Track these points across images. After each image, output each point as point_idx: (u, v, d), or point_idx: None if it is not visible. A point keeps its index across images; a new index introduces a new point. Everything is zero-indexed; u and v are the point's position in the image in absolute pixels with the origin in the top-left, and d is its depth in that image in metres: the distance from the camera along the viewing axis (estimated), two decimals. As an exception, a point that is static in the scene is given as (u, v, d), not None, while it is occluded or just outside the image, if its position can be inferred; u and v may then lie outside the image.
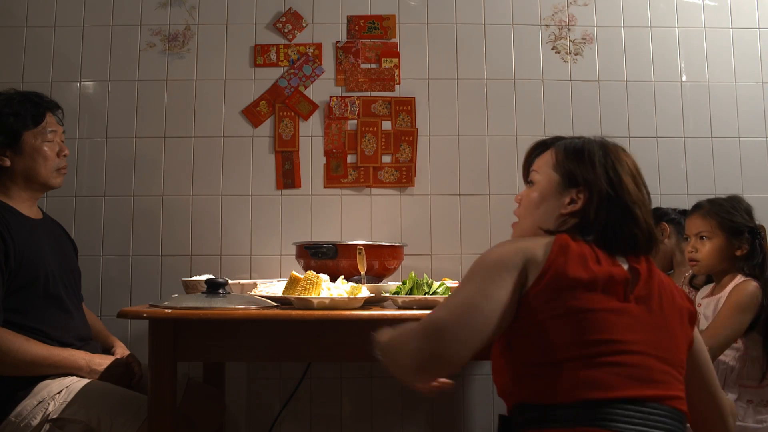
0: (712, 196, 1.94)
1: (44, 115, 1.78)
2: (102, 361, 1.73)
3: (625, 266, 1.09)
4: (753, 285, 1.75)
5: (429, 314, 1.07)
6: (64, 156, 1.82)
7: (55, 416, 1.57)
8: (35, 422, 1.57)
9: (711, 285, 1.91)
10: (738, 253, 1.80)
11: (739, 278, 1.80)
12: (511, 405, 1.10)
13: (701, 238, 1.84)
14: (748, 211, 1.85)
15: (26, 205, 1.78)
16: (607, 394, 0.99)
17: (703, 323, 1.83)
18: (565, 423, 0.99)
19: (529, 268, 1.05)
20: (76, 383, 1.64)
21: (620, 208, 1.11)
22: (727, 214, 1.82)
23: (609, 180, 1.12)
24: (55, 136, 1.80)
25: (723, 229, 1.81)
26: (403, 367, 1.07)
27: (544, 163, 1.22)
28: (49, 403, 1.59)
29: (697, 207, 1.90)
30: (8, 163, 1.73)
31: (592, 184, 1.13)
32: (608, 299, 1.04)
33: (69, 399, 1.60)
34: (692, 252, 1.87)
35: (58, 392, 1.61)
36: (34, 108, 1.77)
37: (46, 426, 1.57)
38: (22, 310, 1.65)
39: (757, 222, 1.84)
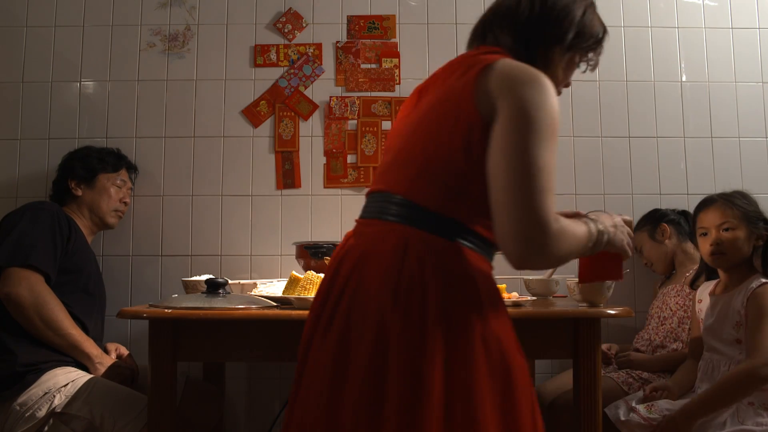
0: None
1: (122, 167, 2.17)
2: (109, 359, 1.83)
3: None
4: None
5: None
6: (124, 203, 2.15)
7: (59, 410, 1.61)
8: (40, 414, 1.61)
9: (713, 282, 1.89)
10: (758, 243, 1.77)
11: (755, 279, 1.74)
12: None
13: (725, 229, 1.77)
14: (755, 203, 1.82)
15: (85, 233, 2.05)
16: None
17: (708, 320, 1.81)
18: None
19: None
20: (82, 378, 1.69)
21: None
22: (747, 204, 1.79)
23: None
24: (124, 185, 2.16)
25: (744, 219, 1.77)
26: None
27: None
28: (54, 396, 1.63)
29: (711, 201, 1.84)
30: (80, 192, 2.07)
31: None
32: None
33: (73, 393, 1.64)
34: (717, 245, 1.78)
35: (63, 385, 1.65)
36: (116, 160, 2.16)
37: (50, 420, 1.61)
38: (64, 290, 1.83)
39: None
